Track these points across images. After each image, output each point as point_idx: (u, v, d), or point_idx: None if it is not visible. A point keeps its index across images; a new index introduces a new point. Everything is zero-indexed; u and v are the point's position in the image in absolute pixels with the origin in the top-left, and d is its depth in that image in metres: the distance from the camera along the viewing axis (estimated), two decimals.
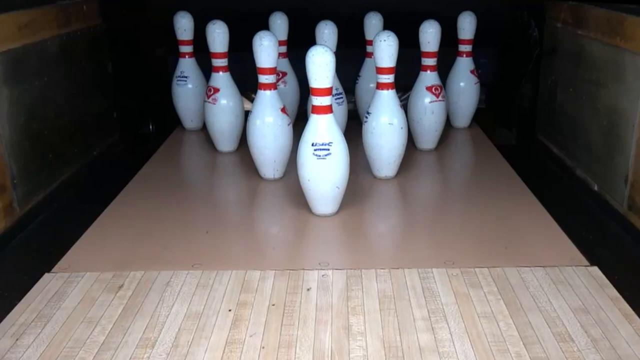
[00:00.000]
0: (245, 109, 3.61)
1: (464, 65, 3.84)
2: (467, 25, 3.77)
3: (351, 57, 3.88)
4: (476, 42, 3.85)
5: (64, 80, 3.20)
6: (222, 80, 3.58)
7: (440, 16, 3.59)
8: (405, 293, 2.15)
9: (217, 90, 3.57)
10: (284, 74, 3.89)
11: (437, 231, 2.66)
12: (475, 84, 3.86)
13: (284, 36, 3.86)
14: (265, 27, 3.93)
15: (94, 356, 1.86)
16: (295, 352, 1.86)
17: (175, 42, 3.88)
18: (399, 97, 3.49)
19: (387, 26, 3.78)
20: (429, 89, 3.51)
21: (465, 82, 3.84)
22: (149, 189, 3.17)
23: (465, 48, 3.82)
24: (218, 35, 3.56)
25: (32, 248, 2.57)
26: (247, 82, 3.53)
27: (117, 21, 3.77)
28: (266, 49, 3.09)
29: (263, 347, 1.88)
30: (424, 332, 1.94)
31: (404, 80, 3.83)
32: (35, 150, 2.87)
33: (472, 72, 3.84)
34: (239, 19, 3.87)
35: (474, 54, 3.86)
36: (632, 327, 1.96)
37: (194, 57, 3.93)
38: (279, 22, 3.88)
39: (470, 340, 1.90)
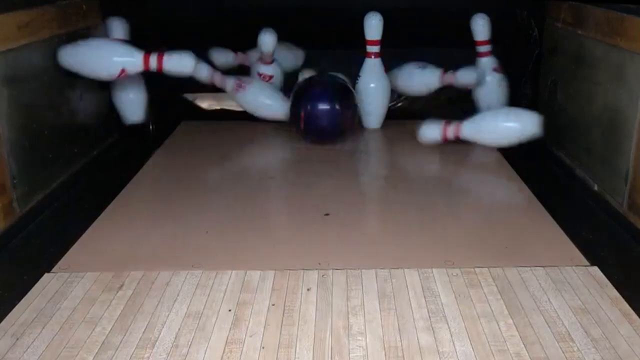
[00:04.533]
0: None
1: (486, 65, 3.91)
2: (480, 27, 3.85)
3: (351, 57, 3.88)
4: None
5: (63, 80, 3.20)
6: None
7: (440, 16, 3.60)
8: (405, 293, 2.15)
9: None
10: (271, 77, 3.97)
11: (437, 231, 2.66)
12: (500, 84, 3.91)
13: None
14: (265, 25, 3.93)
15: (94, 356, 1.86)
16: (295, 352, 1.86)
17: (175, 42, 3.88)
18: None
19: (387, 26, 3.79)
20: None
21: (490, 77, 3.91)
22: (148, 189, 3.17)
23: (483, 49, 3.87)
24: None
25: (32, 248, 2.57)
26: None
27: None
28: None
29: (263, 347, 1.88)
30: (424, 332, 1.94)
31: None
32: (35, 150, 2.86)
33: (494, 69, 3.89)
34: (238, 17, 3.88)
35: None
36: (632, 327, 1.96)
37: None
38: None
39: (470, 340, 1.90)
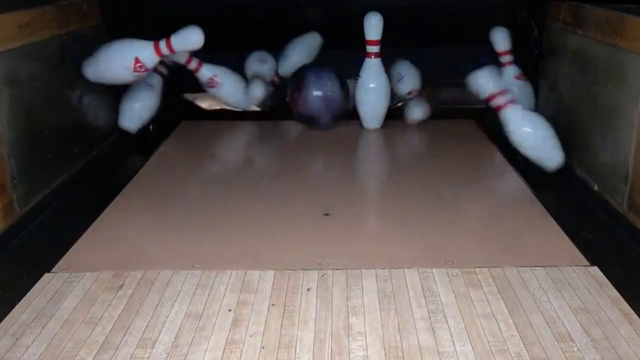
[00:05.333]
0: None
1: (509, 74, 3.87)
2: (500, 39, 3.82)
3: (351, 57, 3.88)
4: (477, 40, 3.87)
5: (63, 80, 3.20)
6: None
7: (441, 15, 3.60)
8: (405, 293, 2.15)
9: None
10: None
11: (437, 231, 2.66)
12: (524, 88, 3.86)
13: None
14: (264, 26, 3.94)
15: (94, 356, 1.86)
16: (295, 352, 1.86)
17: None
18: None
19: (387, 26, 3.79)
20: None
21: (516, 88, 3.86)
22: (148, 189, 3.17)
23: (505, 59, 3.85)
24: None
25: (32, 248, 2.57)
26: None
27: (117, 21, 3.77)
28: None
29: (263, 347, 1.88)
30: (424, 332, 1.94)
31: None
32: (35, 150, 2.86)
33: (517, 77, 3.87)
34: (238, 17, 3.88)
35: (480, 54, 3.88)
36: (632, 327, 1.96)
37: None
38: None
39: (470, 340, 1.90)
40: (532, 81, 3.86)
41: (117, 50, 3.41)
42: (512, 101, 3.32)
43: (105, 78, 3.42)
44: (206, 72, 3.95)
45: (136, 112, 3.79)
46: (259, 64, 4.11)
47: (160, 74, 3.92)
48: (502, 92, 3.34)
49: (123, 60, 3.37)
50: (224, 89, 4.03)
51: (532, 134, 3.25)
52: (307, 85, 3.88)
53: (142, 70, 3.36)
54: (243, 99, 4.08)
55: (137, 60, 3.32)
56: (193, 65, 3.91)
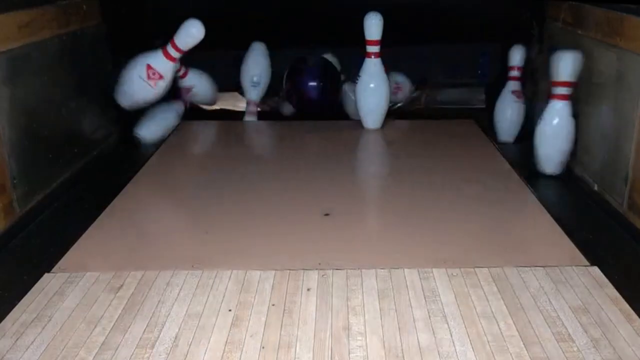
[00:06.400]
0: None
1: (509, 87, 3.87)
2: (516, 56, 3.81)
3: (351, 57, 3.89)
4: (477, 37, 3.87)
5: (64, 80, 3.20)
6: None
7: (441, 12, 3.60)
8: (405, 293, 2.15)
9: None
10: None
11: (438, 231, 2.66)
12: (515, 101, 3.84)
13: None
14: (263, 27, 3.94)
15: (94, 356, 1.86)
16: (295, 352, 1.86)
17: None
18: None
19: (387, 25, 3.80)
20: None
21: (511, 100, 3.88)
22: (148, 189, 3.17)
23: (512, 73, 3.84)
24: None
25: (32, 248, 2.57)
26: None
27: (117, 21, 3.77)
28: None
29: (263, 347, 1.88)
30: (424, 332, 1.95)
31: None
32: (35, 150, 2.86)
33: (513, 92, 3.85)
34: (237, 18, 3.89)
35: (478, 52, 3.89)
36: (632, 327, 1.96)
37: None
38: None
39: (470, 340, 1.90)
40: (532, 81, 3.86)
41: (131, 65, 3.61)
42: (568, 97, 3.21)
43: (134, 99, 3.63)
44: (188, 80, 4.05)
45: (154, 128, 3.86)
46: (251, 88, 4.15)
47: (184, 102, 4.09)
48: (572, 84, 3.20)
49: (137, 71, 3.56)
50: (198, 96, 4.18)
51: (560, 137, 3.19)
52: (302, 77, 4.12)
53: (157, 77, 3.48)
54: (212, 100, 4.31)
55: (149, 67, 3.49)
56: (181, 72, 3.97)
